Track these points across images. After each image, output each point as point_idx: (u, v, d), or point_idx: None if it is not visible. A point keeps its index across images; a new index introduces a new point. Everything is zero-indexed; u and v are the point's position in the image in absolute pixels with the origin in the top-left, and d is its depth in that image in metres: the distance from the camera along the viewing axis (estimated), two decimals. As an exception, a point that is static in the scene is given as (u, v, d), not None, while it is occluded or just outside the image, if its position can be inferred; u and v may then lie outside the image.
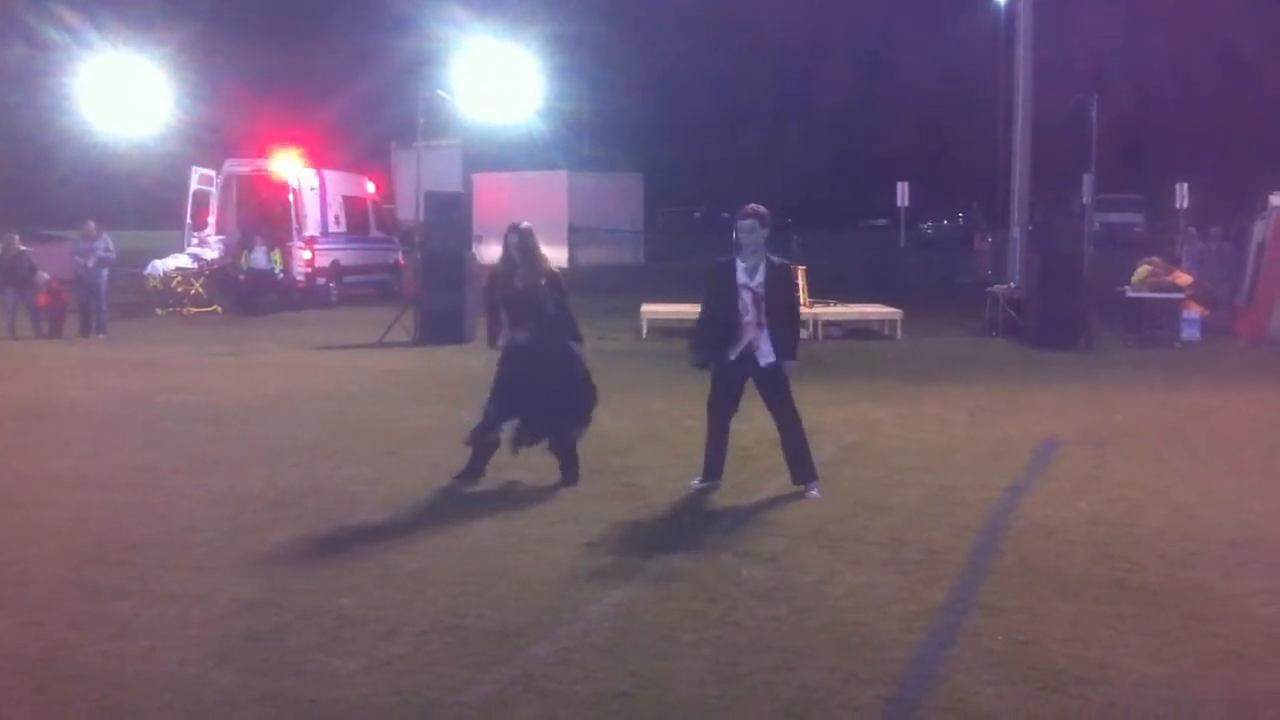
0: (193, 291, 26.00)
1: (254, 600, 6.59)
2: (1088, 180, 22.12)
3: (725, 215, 52.20)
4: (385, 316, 20.90)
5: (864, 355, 18.82)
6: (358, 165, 33.86)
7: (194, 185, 27.79)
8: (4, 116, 41.44)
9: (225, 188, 27.98)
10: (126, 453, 10.69)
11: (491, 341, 9.58)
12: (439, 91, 25.21)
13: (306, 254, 27.18)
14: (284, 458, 10.39)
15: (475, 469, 9.39)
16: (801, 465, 9.08)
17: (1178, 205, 30.97)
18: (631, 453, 10.68)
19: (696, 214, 59.38)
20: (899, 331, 21.21)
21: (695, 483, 9.21)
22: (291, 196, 27.06)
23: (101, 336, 20.74)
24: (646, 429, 11.87)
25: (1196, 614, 6.41)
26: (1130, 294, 20.93)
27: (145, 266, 26.67)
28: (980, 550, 7.66)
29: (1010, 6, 29.81)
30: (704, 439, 9.31)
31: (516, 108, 29.79)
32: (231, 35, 46.75)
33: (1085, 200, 21.81)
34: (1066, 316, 19.62)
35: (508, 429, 9.26)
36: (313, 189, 27.75)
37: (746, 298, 8.93)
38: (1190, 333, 20.13)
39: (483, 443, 9.37)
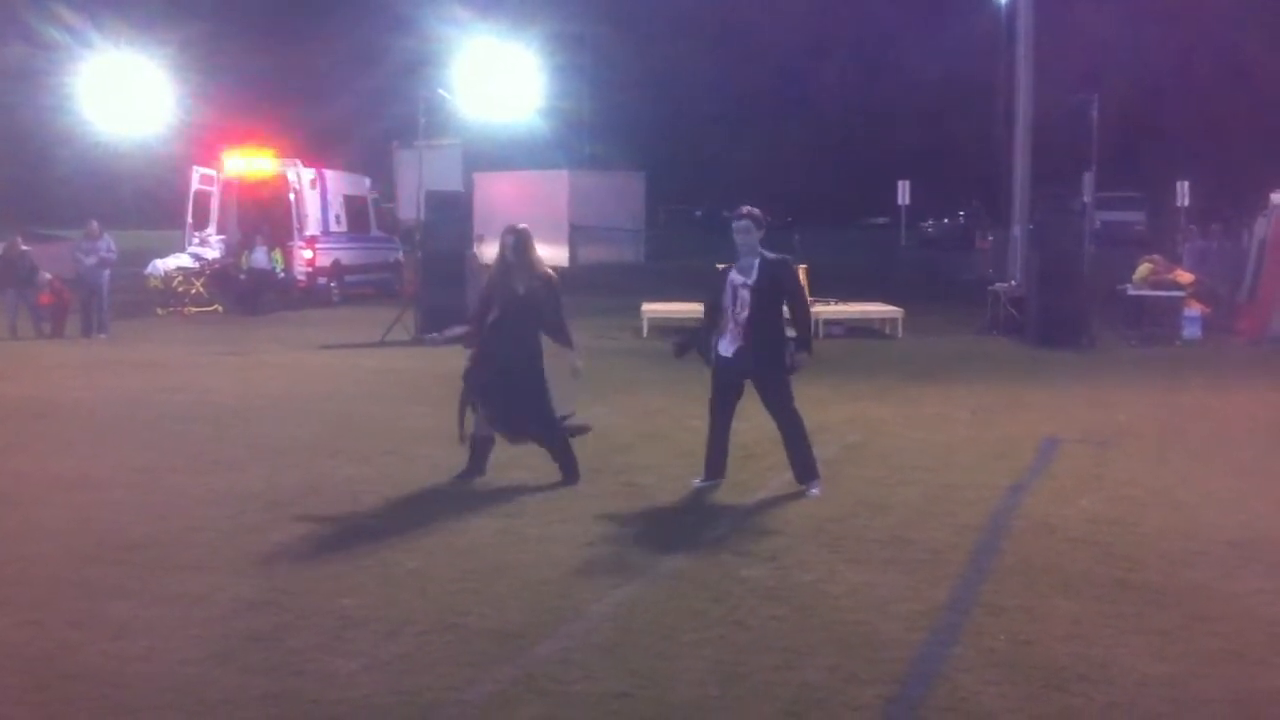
0: (194, 291, 26.01)
1: (255, 600, 6.59)
2: (1088, 178, 22.12)
3: (726, 214, 52.31)
4: (386, 316, 20.90)
5: (865, 354, 18.80)
6: (359, 165, 33.88)
7: (195, 185, 27.80)
8: (5, 116, 41.49)
9: (226, 187, 27.99)
10: (127, 452, 10.69)
11: (471, 343, 9.51)
12: (440, 91, 25.24)
13: (307, 253, 27.18)
14: (284, 457, 10.39)
15: (475, 468, 9.38)
16: (801, 465, 9.07)
17: (1178, 203, 30.97)
18: (632, 452, 10.67)
19: (698, 213, 59.41)
20: (900, 330, 21.20)
21: (697, 481, 9.21)
22: (292, 196, 27.06)
23: (103, 336, 20.74)
24: (647, 428, 11.86)
25: (1198, 613, 6.40)
26: (1131, 292, 20.92)
27: (146, 266, 26.70)
28: (982, 549, 7.65)
29: (1011, 5, 29.78)
30: (705, 438, 9.31)
31: (517, 107, 29.85)
32: (233, 35, 46.80)
33: (1086, 198, 21.80)
34: (1067, 315, 19.61)
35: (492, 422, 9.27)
36: (314, 188, 27.75)
37: (744, 295, 8.93)
38: (1191, 331, 20.13)
39: (479, 441, 9.36)
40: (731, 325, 9.00)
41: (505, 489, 9.17)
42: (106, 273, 21.18)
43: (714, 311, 9.18)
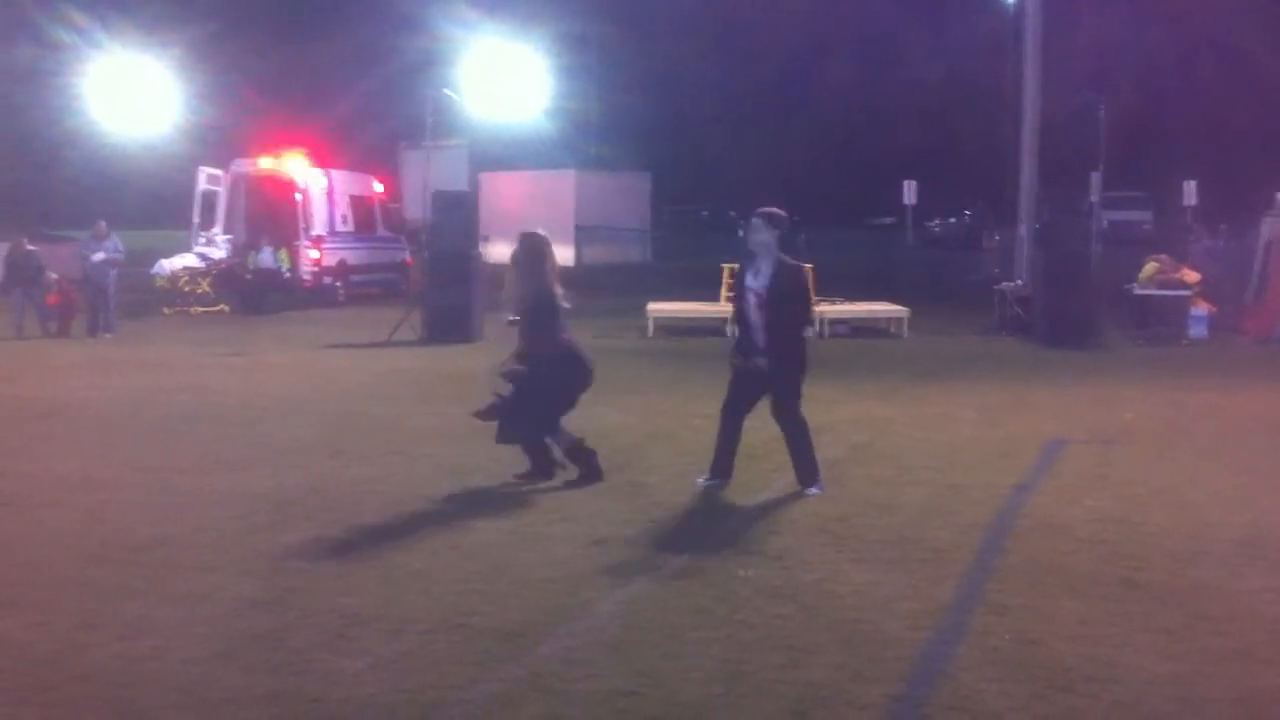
0: (200, 291, 26.06)
1: (259, 599, 6.60)
2: (1095, 178, 22.11)
3: (732, 214, 52.22)
4: (392, 316, 20.91)
5: (871, 354, 18.79)
6: (366, 165, 33.90)
7: (201, 185, 27.84)
8: (13, 116, 41.53)
9: (233, 188, 28.02)
10: (133, 453, 10.71)
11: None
12: (446, 91, 25.26)
13: (314, 253, 27.20)
14: (290, 457, 10.40)
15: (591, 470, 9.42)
16: (804, 469, 9.06)
17: (1185, 203, 30.92)
18: (637, 451, 10.67)
19: (704, 213, 59.38)
20: (906, 330, 21.18)
21: (702, 480, 9.20)
22: (299, 196, 27.10)
23: (109, 336, 20.78)
24: (653, 427, 11.87)
25: (1204, 612, 6.39)
26: (1138, 291, 20.89)
27: (153, 266, 26.73)
28: (987, 549, 7.65)
29: (1018, 4, 29.74)
30: (714, 437, 9.30)
31: (524, 107, 29.86)
32: (239, 36, 46.80)
33: (1093, 198, 21.79)
34: (1074, 314, 19.58)
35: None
36: (320, 188, 27.78)
37: (751, 300, 8.94)
38: (1198, 330, 20.10)
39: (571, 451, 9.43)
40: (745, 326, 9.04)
41: (510, 488, 9.17)
42: (113, 272, 21.23)
43: (742, 325, 9.25)
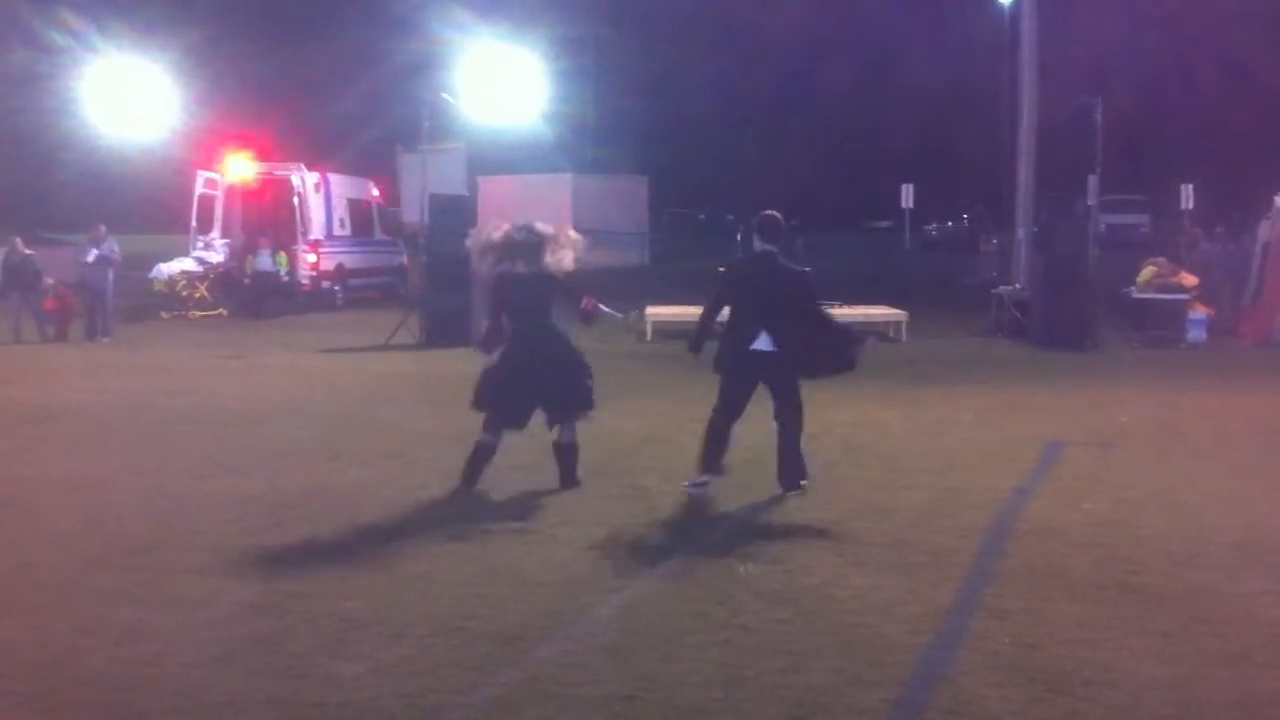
0: (198, 295, 26.04)
1: (258, 603, 6.60)
2: (1093, 181, 22.11)
3: (730, 218, 52.24)
4: (390, 319, 20.91)
5: (869, 357, 18.71)
6: (363, 168, 33.89)
7: (199, 189, 27.82)
8: (8, 120, 41.48)
9: (230, 191, 28.01)
10: (131, 456, 10.70)
11: (490, 349, 9.51)
12: (443, 95, 25.22)
13: (311, 257, 27.19)
14: (288, 460, 10.40)
15: (472, 475, 9.29)
16: (789, 471, 9.09)
17: (1183, 206, 30.94)
18: (636, 454, 10.69)
19: (701, 216, 59.35)
20: (904, 333, 21.19)
21: (690, 484, 9.13)
22: (296, 200, 27.08)
23: (106, 340, 20.77)
24: (651, 431, 11.87)
25: (1201, 615, 6.40)
26: (1136, 295, 20.90)
27: (150, 270, 26.71)
28: (985, 552, 7.65)
29: (1015, 8, 29.79)
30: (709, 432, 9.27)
31: (521, 111, 29.84)
32: (236, 39, 46.80)
33: (1090, 202, 21.79)
34: (1072, 318, 19.60)
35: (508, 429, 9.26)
36: (317, 192, 27.77)
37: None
38: (1196, 334, 20.09)
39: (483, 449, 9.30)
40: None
41: (509, 492, 9.16)
42: (110, 275, 21.20)
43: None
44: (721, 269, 9.96)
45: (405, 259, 30.83)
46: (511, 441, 9.36)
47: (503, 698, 5.37)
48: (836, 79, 59.36)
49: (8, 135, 41.97)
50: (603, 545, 7.76)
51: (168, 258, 27.21)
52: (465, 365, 16.60)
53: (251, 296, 25.88)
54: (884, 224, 56.37)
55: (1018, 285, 22.87)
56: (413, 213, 30.30)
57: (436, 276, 20.28)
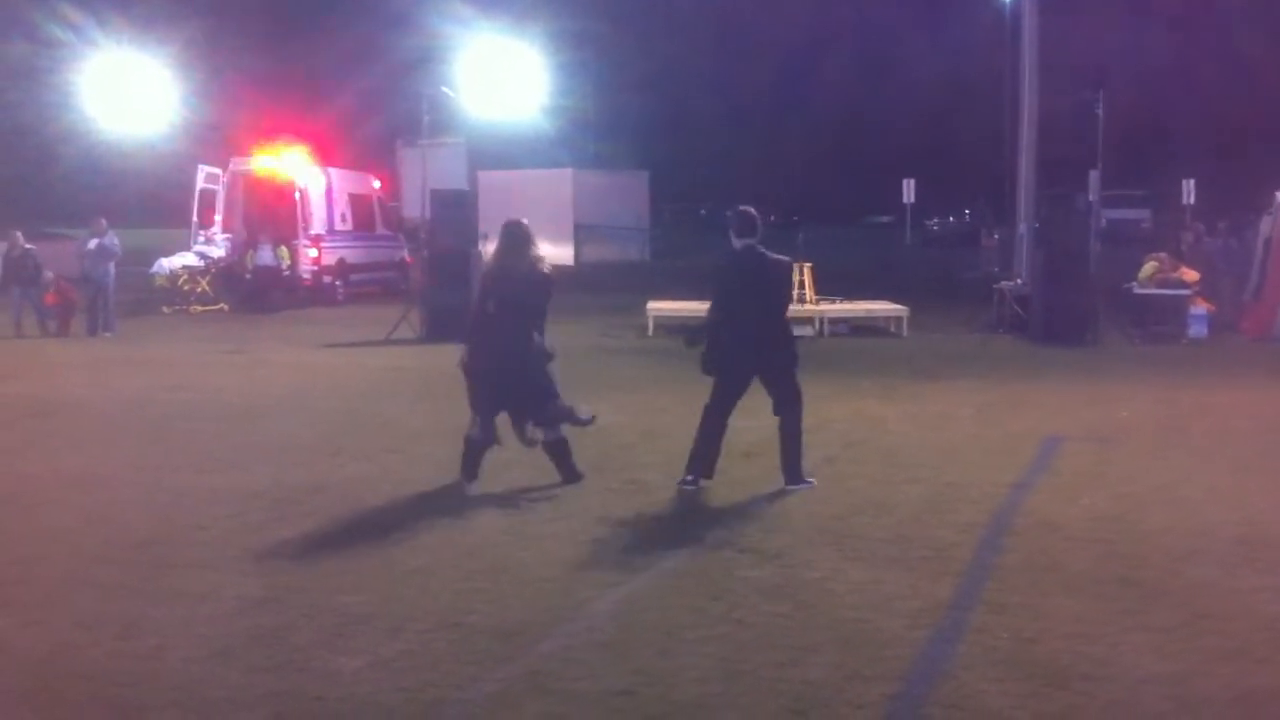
0: (199, 290, 26.06)
1: (259, 598, 6.61)
2: (1094, 176, 22.10)
3: (729, 213, 52.28)
4: (391, 314, 20.91)
5: (870, 352, 18.79)
6: (364, 163, 33.89)
7: (200, 183, 27.82)
8: (8, 113, 41.49)
9: (231, 186, 27.99)
10: (132, 451, 10.71)
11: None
12: (444, 89, 25.22)
13: (313, 251, 27.18)
14: (289, 455, 10.41)
15: (470, 471, 9.29)
16: (792, 466, 9.10)
17: (1184, 201, 30.93)
18: (635, 450, 10.69)
19: (702, 211, 59.39)
20: (905, 328, 21.18)
21: (682, 481, 9.14)
22: (298, 194, 27.06)
23: (108, 335, 20.77)
24: (650, 426, 11.86)
25: (1200, 610, 6.40)
26: (1137, 290, 20.89)
27: (152, 265, 26.72)
28: (985, 547, 7.66)
29: (1016, 2, 29.75)
30: (700, 435, 9.27)
31: (521, 105, 29.82)
32: (236, 33, 46.78)
33: (1092, 196, 21.78)
34: (1073, 313, 19.59)
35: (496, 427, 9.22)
36: (319, 187, 27.76)
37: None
38: (1197, 329, 20.08)
39: (476, 444, 9.27)
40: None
41: (508, 487, 9.17)
42: (111, 270, 21.19)
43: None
44: (713, 269, 9.84)
45: (406, 254, 30.84)
46: (511, 437, 9.36)
47: (502, 693, 5.38)
48: (837, 74, 59.40)
49: (8, 129, 41.97)
50: (601, 540, 7.77)
51: (169, 252, 27.23)
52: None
53: (253, 291, 25.86)
54: (885, 219, 56.43)
55: (1019, 280, 22.85)
56: (414, 208, 30.33)
57: (437, 271, 20.26)
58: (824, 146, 61.46)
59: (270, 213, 27.49)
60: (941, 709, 5.21)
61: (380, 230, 30.89)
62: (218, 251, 27.17)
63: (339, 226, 28.53)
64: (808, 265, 21.43)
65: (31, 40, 39.22)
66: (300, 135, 29.01)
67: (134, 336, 20.69)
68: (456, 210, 20.89)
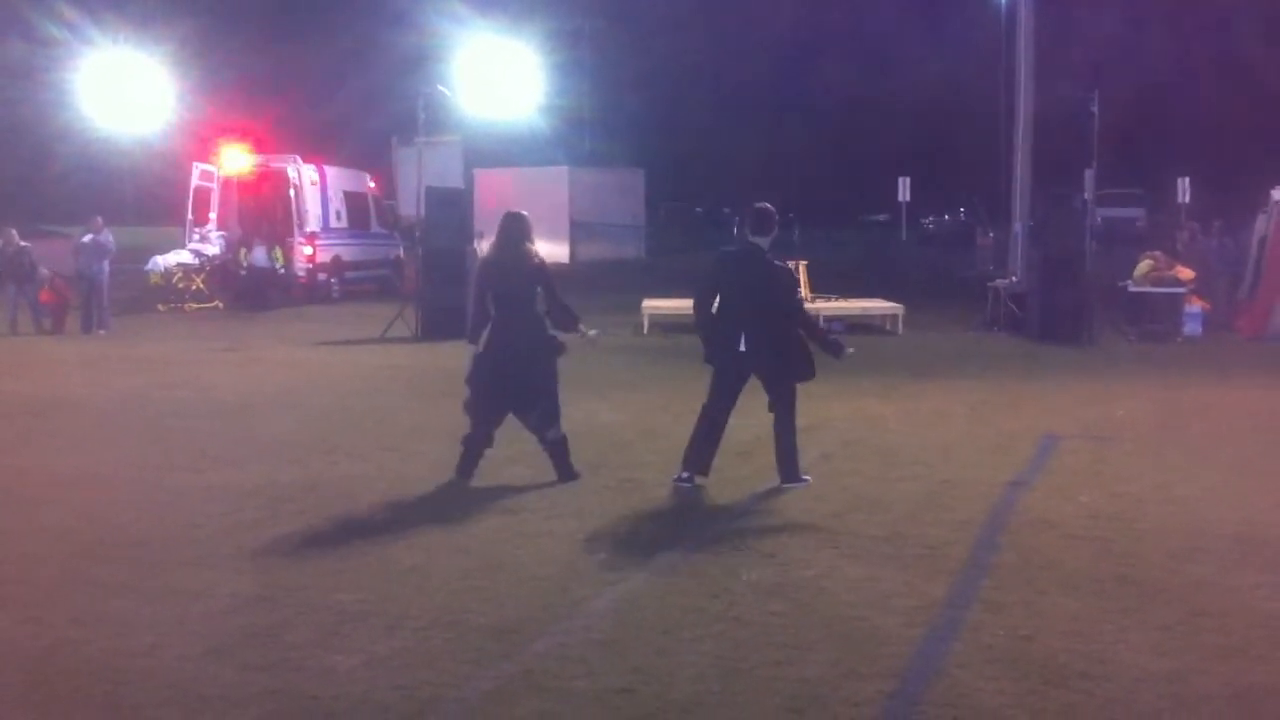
0: (194, 288, 26.03)
1: (254, 596, 6.59)
2: (1089, 175, 22.08)
3: (726, 211, 52.23)
4: (386, 312, 20.89)
5: (865, 350, 18.71)
6: (359, 161, 33.86)
7: (195, 181, 27.79)
8: (4, 111, 41.43)
9: (226, 184, 27.97)
10: (127, 449, 10.69)
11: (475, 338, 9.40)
12: (440, 87, 25.17)
13: (308, 250, 27.17)
14: (284, 453, 10.39)
15: (467, 468, 9.27)
16: (785, 467, 9.08)
17: (1179, 200, 30.96)
18: (632, 448, 10.68)
19: (698, 209, 59.40)
20: (900, 326, 21.19)
21: (679, 479, 9.12)
22: (292, 192, 27.05)
23: (103, 333, 20.75)
24: (647, 424, 11.86)
25: (1198, 608, 6.40)
26: (1132, 289, 20.91)
27: (147, 263, 26.69)
28: (981, 545, 7.65)
29: (1011, 2, 29.75)
30: (698, 432, 9.25)
31: (517, 103, 29.75)
32: (232, 31, 46.75)
33: (1087, 195, 21.78)
34: (1068, 311, 19.61)
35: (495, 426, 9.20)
36: (314, 185, 27.74)
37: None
38: (1192, 328, 20.12)
39: (474, 442, 9.26)
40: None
41: (504, 485, 9.16)
42: (106, 267, 21.16)
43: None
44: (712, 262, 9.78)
45: (401, 252, 30.82)
46: (507, 435, 9.36)
47: (498, 691, 5.37)
48: (834, 72, 59.40)
49: (4, 127, 41.92)
50: (598, 538, 7.76)
51: (164, 250, 27.19)
52: (461, 359, 16.64)
53: (247, 289, 25.84)
54: (881, 217, 56.46)
55: (1014, 279, 22.87)
56: (409, 206, 30.32)
57: (432, 270, 20.24)
58: (820, 144, 61.46)
59: (265, 211, 27.50)
60: (938, 707, 5.20)
61: (375, 228, 30.87)
62: (213, 249, 27.14)
63: (334, 224, 28.52)
64: (803, 263, 21.42)
65: (28, 39, 39.17)
66: (295, 133, 28.99)
67: (129, 334, 20.67)
68: (452, 208, 20.87)
